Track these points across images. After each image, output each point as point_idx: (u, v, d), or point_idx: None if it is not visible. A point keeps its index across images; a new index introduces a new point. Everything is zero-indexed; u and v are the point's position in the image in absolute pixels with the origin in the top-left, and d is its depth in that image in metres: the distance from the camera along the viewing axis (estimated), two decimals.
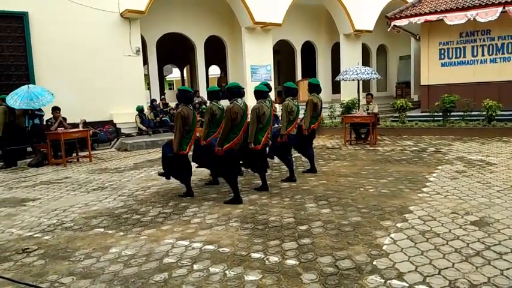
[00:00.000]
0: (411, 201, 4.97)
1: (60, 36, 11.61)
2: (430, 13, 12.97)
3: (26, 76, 11.27)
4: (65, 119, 9.69)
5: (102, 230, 4.46)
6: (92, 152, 9.97)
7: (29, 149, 10.05)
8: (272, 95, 15.22)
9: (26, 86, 9.36)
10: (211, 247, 3.78)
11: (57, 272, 3.40)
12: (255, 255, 3.54)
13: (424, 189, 5.48)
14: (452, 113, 11.65)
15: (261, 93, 5.73)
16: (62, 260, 3.65)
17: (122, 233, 4.30)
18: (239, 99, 5.28)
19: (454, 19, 12.39)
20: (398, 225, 4.12)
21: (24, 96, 8.92)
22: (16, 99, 8.89)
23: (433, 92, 13.68)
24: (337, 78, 12.23)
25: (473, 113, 11.53)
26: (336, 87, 19.14)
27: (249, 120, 5.53)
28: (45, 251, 3.90)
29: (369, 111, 10.24)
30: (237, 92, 5.32)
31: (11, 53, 11.14)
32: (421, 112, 13.95)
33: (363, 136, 10.47)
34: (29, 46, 11.29)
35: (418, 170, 6.76)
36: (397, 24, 13.73)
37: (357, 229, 4.06)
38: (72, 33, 11.79)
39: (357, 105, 12.29)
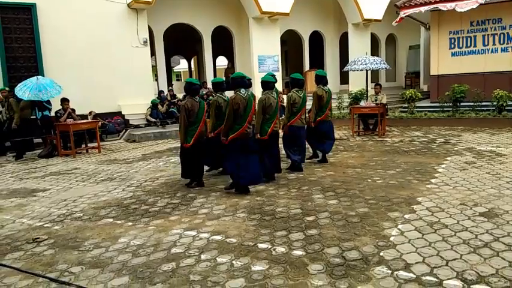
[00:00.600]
0: (419, 192, 4.94)
1: (68, 28, 11.64)
2: (441, 1, 12.73)
3: (35, 68, 11.34)
4: (73, 110, 9.76)
5: (111, 220, 4.51)
6: (101, 143, 10.05)
7: (38, 140, 10.15)
8: (280, 85, 15.18)
9: (35, 77, 9.42)
10: (218, 237, 3.80)
11: (67, 261, 3.46)
12: (261, 245, 3.56)
13: (433, 180, 5.45)
14: (462, 103, 11.51)
15: (267, 84, 5.74)
16: (71, 250, 3.70)
17: (130, 223, 4.35)
18: (242, 90, 5.20)
19: (465, 6, 12.14)
20: (406, 216, 4.11)
21: (33, 88, 8.99)
22: (25, 90, 8.96)
23: (442, 82, 13.51)
24: (346, 68, 12.12)
25: (483, 103, 11.38)
26: (344, 78, 18.99)
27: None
28: (55, 240, 3.96)
29: (377, 101, 10.15)
30: (240, 82, 5.23)
31: (19, 45, 11.20)
32: (431, 102, 13.80)
33: (371, 127, 10.41)
34: (37, 37, 11.33)
35: (426, 161, 6.71)
36: (406, 13, 13.48)
37: (364, 220, 4.05)
38: (80, 24, 11.81)
39: (365, 95, 12.19)
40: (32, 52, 11.36)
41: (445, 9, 12.54)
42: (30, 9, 11.20)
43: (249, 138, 5.27)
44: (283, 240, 3.65)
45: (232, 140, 5.19)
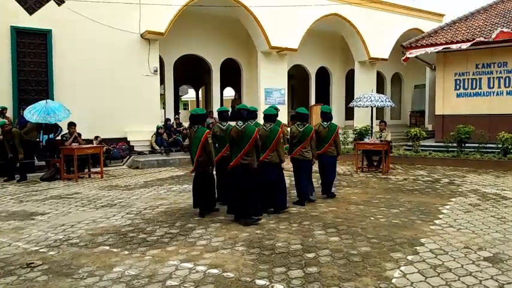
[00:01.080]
0: (423, 233, 4.84)
1: (81, 54, 11.94)
2: (446, 43, 12.98)
3: (45, 91, 11.55)
4: (80, 134, 9.85)
5: (107, 247, 4.43)
6: (104, 169, 10.05)
7: (41, 163, 10.19)
8: (285, 118, 15.30)
9: (44, 101, 9.59)
10: (215, 271, 3.71)
11: None
12: (259, 282, 3.47)
13: (437, 222, 5.35)
14: (467, 144, 11.48)
15: (269, 117, 6.00)
16: (65, 277, 3.62)
17: (126, 252, 4.27)
18: (240, 122, 5.43)
19: (466, 44, 12.32)
20: (409, 257, 4.01)
21: (42, 111, 9.13)
22: (33, 113, 9.09)
23: (447, 122, 13.53)
24: (351, 104, 12.24)
25: (488, 145, 11.34)
26: (349, 114, 19.12)
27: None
28: (49, 266, 3.89)
29: (382, 138, 10.16)
30: (237, 114, 5.49)
31: (31, 69, 11.47)
32: (435, 142, 13.77)
33: (375, 163, 10.36)
34: (50, 63, 11.62)
35: (430, 201, 6.62)
36: (412, 54, 13.72)
37: (366, 260, 3.95)
38: (93, 52, 12.12)
39: (369, 132, 12.22)
40: (43, 76, 11.62)
41: (451, 47, 12.74)
42: (46, 35, 11.55)
43: (248, 168, 5.33)
44: (282, 277, 3.56)
45: (231, 167, 5.40)
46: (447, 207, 6.20)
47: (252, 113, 5.94)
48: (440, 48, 13.02)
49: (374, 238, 4.64)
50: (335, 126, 7.01)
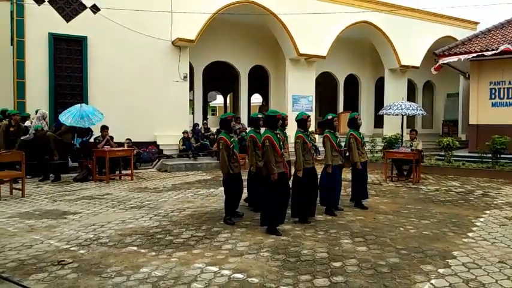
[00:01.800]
0: (455, 245, 4.66)
1: (115, 60, 12.33)
2: (481, 51, 12.57)
3: (80, 96, 11.98)
4: (112, 137, 10.12)
5: (135, 248, 4.51)
6: (134, 171, 10.28)
7: (74, 164, 10.54)
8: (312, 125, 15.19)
9: (79, 104, 9.92)
10: (240, 276, 3.71)
11: (88, 287, 3.46)
12: None
13: (470, 234, 5.14)
14: (502, 155, 11.02)
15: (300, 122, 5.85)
16: (93, 276, 3.71)
17: (153, 253, 4.33)
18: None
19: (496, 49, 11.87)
20: (440, 270, 3.87)
21: (76, 115, 9.45)
22: (68, 116, 9.43)
23: (482, 132, 13.04)
24: (381, 112, 12.04)
25: None
26: (378, 122, 18.79)
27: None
28: (79, 264, 3.99)
29: (412, 147, 9.90)
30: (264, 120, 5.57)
31: (68, 74, 11.93)
32: (469, 152, 13.30)
33: (405, 173, 10.10)
34: (85, 68, 12.05)
35: (463, 213, 6.38)
36: (444, 61, 13.36)
37: (395, 271, 3.85)
38: (126, 58, 12.49)
39: (399, 140, 11.94)
40: (79, 81, 12.06)
41: (486, 54, 12.32)
42: (82, 41, 11.99)
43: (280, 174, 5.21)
44: (307, 285, 3.51)
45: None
46: (481, 219, 5.96)
47: (283, 119, 5.93)
48: (473, 55, 12.60)
49: (403, 249, 4.51)
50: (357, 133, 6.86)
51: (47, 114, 10.32)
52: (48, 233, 5.11)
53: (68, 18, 11.82)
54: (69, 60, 11.96)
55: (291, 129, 6.21)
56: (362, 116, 15.78)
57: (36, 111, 10.95)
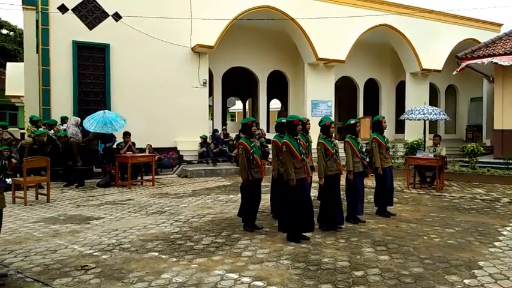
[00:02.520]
0: (481, 255, 4.53)
1: (136, 67, 12.56)
2: (506, 54, 12.23)
3: (103, 102, 12.24)
4: (134, 143, 10.28)
5: (156, 254, 4.56)
6: (155, 177, 10.41)
7: (97, 170, 10.76)
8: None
9: (102, 111, 10.12)
10: (260, 283, 3.69)
11: None
12: None
13: (497, 244, 4.99)
14: None
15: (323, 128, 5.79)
16: (116, 281, 3.76)
17: (174, 259, 4.36)
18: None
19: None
20: (466, 281, 3.76)
21: (100, 121, 9.64)
22: (92, 122, 9.63)
23: (507, 138, 12.67)
24: (402, 117, 11.83)
25: None
26: (399, 127, 18.49)
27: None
28: (101, 270, 4.05)
29: (436, 153, 9.69)
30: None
31: (91, 81, 12.21)
32: (494, 158, 12.92)
33: (428, 180, 9.88)
34: (108, 75, 12.32)
35: (489, 222, 6.19)
36: (466, 64, 13.07)
37: (419, 281, 3.76)
38: (147, 65, 12.71)
39: (422, 146, 11.71)
40: (101, 88, 12.32)
41: (506, 63, 12.01)
42: (104, 49, 12.27)
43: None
44: None
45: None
46: (508, 228, 5.77)
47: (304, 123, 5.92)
48: (497, 59, 12.29)
49: (427, 259, 4.40)
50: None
51: (80, 121, 10.39)
52: (72, 238, 5.22)
53: (91, 26, 12.12)
54: (92, 68, 12.25)
55: (315, 133, 6.11)
56: (385, 120, 15.59)
57: (62, 118, 11.26)
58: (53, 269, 4.08)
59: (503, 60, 12.15)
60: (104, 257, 4.46)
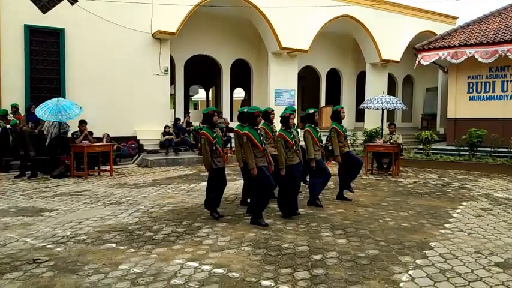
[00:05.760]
0: (433, 237, 4.75)
1: (93, 53, 12.05)
2: (460, 46, 12.80)
3: (57, 90, 11.67)
4: (90, 133, 9.91)
5: (113, 245, 4.44)
6: (114, 167, 10.11)
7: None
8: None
9: (56, 99, 9.64)
10: (220, 271, 3.69)
11: (64, 285, 3.38)
12: (265, 282, 3.43)
13: (447, 226, 5.25)
14: (479, 148, 11.29)
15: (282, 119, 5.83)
16: (70, 274, 3.63)
17: (132, 250, 4.27)
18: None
19: (485, 56, 12.17)
20: (418, 261, 3.93)
21: (53, 109, 9.18)
22: (45, 111, 9.16)
23: (459, 126, 13.34)
24: (361, 106, 12.15)
25: (501, 149, 11.15)
26: (359, 115, 18.99)
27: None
28: (55, 263, 3.90)
29: (392, 141, 10.04)
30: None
31: (44, 67, 11.60)
32: (447, 145, 13.58)
33: (385, 166, 10.24)
34: (63, 61, 11.74)
35: (441, 205, 6.51)
36: (425, 63, 13.60)
37: (374, 263, 3.89)
38: (104, 51, 12.22)
39: (380, 134, 12.10)
40: (55, 74, 11.74)
41: (462, 58, 12.58)
42: (59, 33, 11.67)
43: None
44: (288, 278, 3.52)
45: None
46: (458, 211, 6.10)
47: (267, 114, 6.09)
48: (453, 51, 12.84)
49: (382, 241, 4.57)
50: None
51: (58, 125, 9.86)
52: (24, 231, 4.98)
53: (44, 9, 11.32)
54: (45, 53, 11.62)
55: (280, 123, 6.10)
56: (344, 109, 15.93)
57: (13, 106, 10.65)
58: (2, 264, 3.87)
59: (453, 57, 12.76)
60: (58, 249, 4.29)
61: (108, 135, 10.90)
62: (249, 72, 17.59)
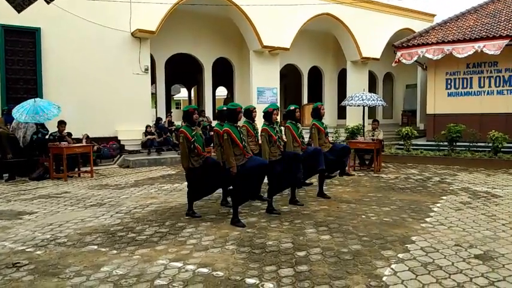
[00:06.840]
0: (414, 231, 4.83)
1: (71, 53, 11.80)
2: (438, 43, 13.05)
3: (34, 90, 11.38)
4: (69, 134, 9.71)
5: (95, 247, 4.36)
6: (94, 168, 9.94)
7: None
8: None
9: (33, 99, 9.41)
10: (205, 270, 3.66)
11: None
12: (249, 280, 3.43)
13: (428, 220, 5.35)
14: (458, 143, 11.55)
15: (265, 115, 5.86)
16: (51, 277, 3.55)
17: (115, 251, 4.20)
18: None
19: (462, 51, 12.46)
20: (400, 255, 3.99)
21: (30, 110, 8.96)
22: (22, 112, 8.93)
23: (439, 121, 13.63)
24: (343, 103, 12.25)
25: (479, 144, 11.43)
26: (341, 113, 19.17)
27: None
28: (35, 266, 3.81)
29: (374, 137, 10.17)
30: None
31: (20, 67, 11.30)
32: (427, 141, 13.85)
33: (367, 162, 10.37)
34: (39, 61, 11.46)
35: (421, 200, 6.63)
36: (407, 62, 13.85)
37: (357, 258, 3.93)
38: (83, 50, 11.98)
39: (361, 131, 12.24)
40: (32, 75, 11.45)
41: (440, 55, 12.85)
42: (35, 33, 11.38)
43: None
44: (272, 275, 3.52)
45: None
46: (438, 205, 6.22)
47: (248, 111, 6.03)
48: (431, 48, 13.09)
49: (365, 236, 4.62)
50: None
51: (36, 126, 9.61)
52: (2, 235, 4.84)
53: (19, 8, 10.91)
54: (21, 53, 11.31)
55: (261, 121, 6.09)
56: (326, 107, 15.98)
57: None
58: None
59: (433, 54, 13.02)
60: (38, 252, 4.19)
61: (87, 135, 10.70)
62: (231, 70, 17.54)
